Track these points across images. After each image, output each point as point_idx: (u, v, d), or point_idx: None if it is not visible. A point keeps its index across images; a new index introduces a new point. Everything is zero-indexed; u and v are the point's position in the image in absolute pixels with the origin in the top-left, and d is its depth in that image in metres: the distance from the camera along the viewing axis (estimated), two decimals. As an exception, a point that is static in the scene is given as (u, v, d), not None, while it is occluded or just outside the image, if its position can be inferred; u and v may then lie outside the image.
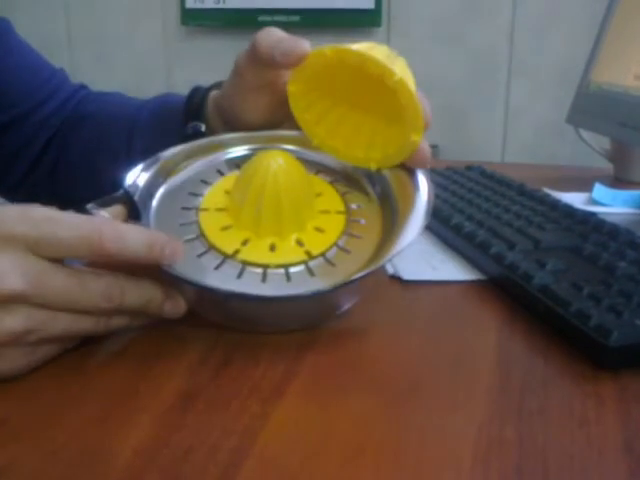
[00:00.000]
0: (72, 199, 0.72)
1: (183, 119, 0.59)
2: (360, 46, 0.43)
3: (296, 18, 1.93)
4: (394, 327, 0.45)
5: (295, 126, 0.49)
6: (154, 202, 0.46)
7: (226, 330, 0.43)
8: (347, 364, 0.40)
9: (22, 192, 0.69)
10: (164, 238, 0.39)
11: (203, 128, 0.58)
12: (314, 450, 0.31)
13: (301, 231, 0.44)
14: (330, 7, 1.90)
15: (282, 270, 0.42)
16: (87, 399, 0.36)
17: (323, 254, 0.43)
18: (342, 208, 0.46)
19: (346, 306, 0.45)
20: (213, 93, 0.58)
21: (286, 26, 1.87)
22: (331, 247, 0.44)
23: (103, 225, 0.37)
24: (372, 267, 0.41)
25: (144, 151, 0.61)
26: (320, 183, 0.48)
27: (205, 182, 0.48)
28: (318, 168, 0.49)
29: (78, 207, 0.71)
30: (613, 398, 0.36)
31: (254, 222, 0.43)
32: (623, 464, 0.31)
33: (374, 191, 0.48)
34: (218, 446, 0.31)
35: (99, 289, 0.37)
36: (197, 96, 0.59)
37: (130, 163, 0.61)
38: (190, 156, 0.50)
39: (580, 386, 0.37)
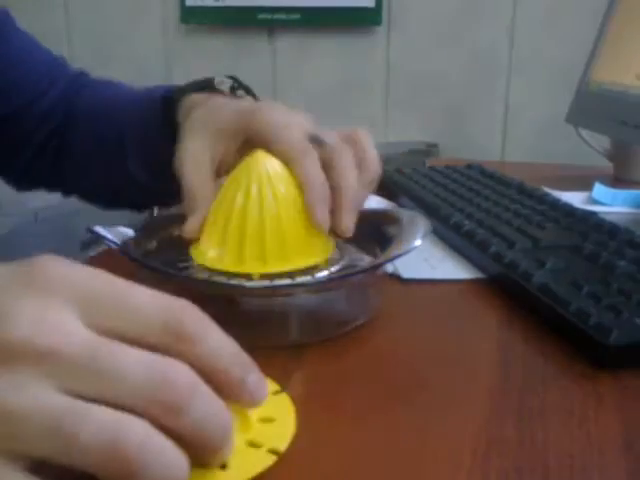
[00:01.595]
0: (76, 190, 0.72)
1: (162, 126, 0.57)
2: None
3: (296, 16, 1.92)
4: (393, 326, 0.44)
5: None
6: None
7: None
8: (345, 363, 0.39)
9: (27, 181, 0.69)
10: (249, 360, 0.29)
11: None
12: (313, 447, 0.31)
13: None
14: (330, 5, 1.90)
15: None
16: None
17: None
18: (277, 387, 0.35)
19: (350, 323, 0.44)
20: (189, 104, 0.54)
21: (286, 24, 1.87)
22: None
23: (186, 304, 0.27)
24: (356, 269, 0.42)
25: (138, 156, 0.61)
26: None
27: None
28: None
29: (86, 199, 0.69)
30: (613, 397, 0.36)
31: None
32: (623, 463, 0.31)
33: None
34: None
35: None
36: (172, 105, 0.56)
37: (128, 163, 0.60)
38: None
39: (580, 385, 0.37)
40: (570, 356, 0.40)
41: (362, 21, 1.91)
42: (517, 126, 1.90)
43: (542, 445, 0.32)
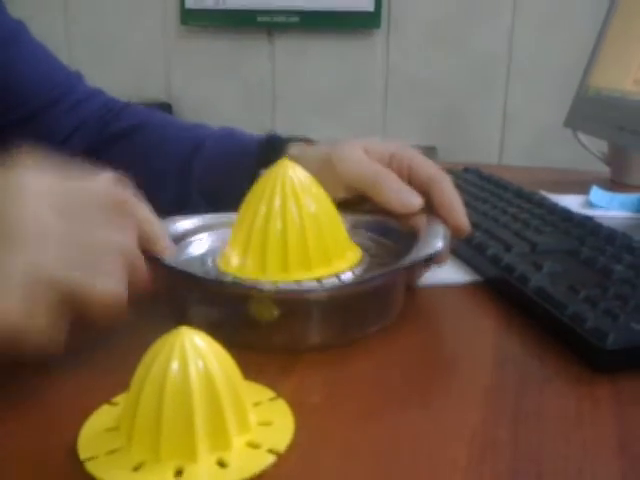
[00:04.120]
0: None
1: (255, 163, 0.57)
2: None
3: (295, 19, 1.93)
4: (391, 328, 0.45)
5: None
6: None
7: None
8: (343, 364, 0.40)
9: None
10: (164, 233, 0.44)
11: None
12: (310, 448, 0.31)
13: (225, 449, 0.30)
14: (330, 9, 1.91)
15: None
16: (85, 393, 0.36)
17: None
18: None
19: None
20: (293, 151, 0.57)
21: (285, 27, 1.87)
22: None
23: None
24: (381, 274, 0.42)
25: (202, 177, 0.62)
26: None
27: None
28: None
29: None
30: (608, 400, 0.36)
31: (152, 441, 0.30)
32: (618, 466, 0.31)
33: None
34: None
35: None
36: (274, 146, 0.58)
37: (182, 181, 0.62)
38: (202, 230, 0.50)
39: (575, 388, 0.37)
40: (566, 359, 0.40)
41: (361, 24, 1.92)
42: (515, 130, 1.91)
43: (537, 447, 0.32)
